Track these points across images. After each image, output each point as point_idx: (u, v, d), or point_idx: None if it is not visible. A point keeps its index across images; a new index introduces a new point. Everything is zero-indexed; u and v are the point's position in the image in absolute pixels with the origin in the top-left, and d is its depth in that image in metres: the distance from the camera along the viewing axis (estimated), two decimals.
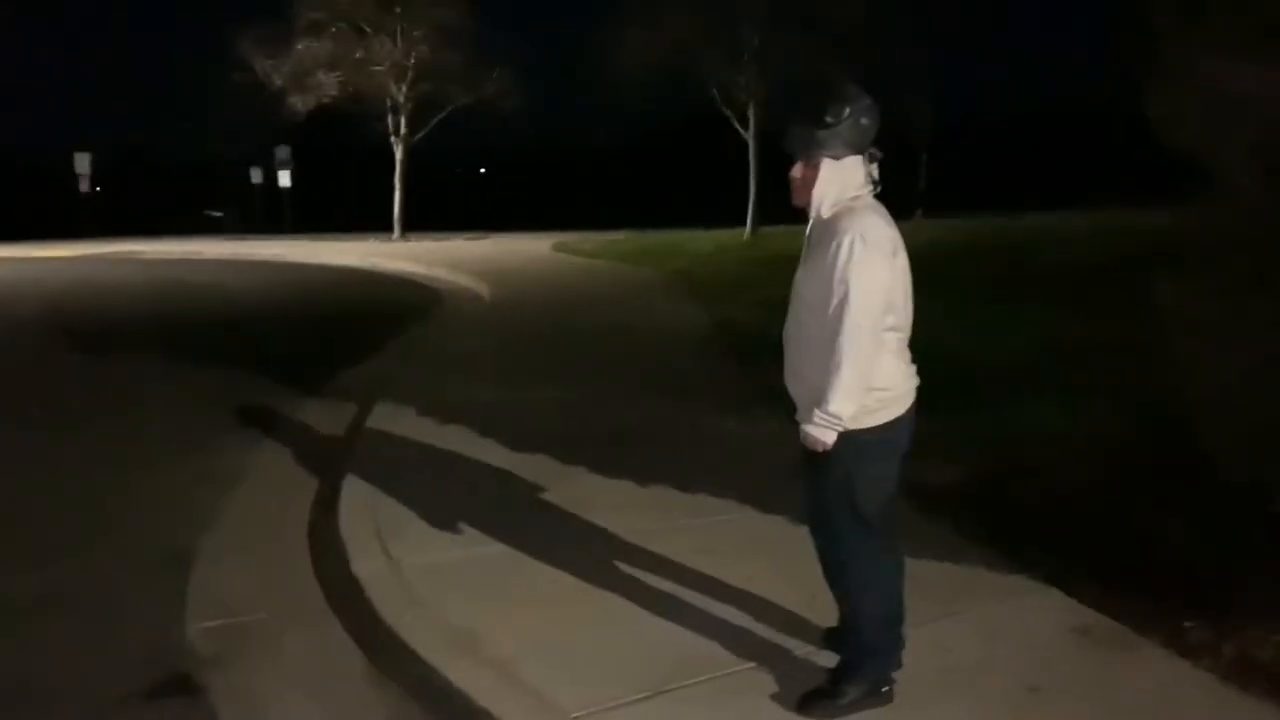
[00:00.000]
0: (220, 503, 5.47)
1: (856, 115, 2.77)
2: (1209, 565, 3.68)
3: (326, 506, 5.15)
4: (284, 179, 35.82)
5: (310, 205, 37.44)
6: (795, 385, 2.94)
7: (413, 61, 28.17)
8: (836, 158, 2.79)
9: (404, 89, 28.64)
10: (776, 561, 4.00)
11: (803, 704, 3.00)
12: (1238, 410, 3.33)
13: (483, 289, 15.50)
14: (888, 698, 3.01)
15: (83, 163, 33.99)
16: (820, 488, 2.93)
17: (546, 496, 5.03)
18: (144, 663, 3.70)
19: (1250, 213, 3.08)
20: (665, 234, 25.06)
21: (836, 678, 3.05)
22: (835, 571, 3.06)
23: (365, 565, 4.23)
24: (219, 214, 42.14)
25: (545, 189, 49.90)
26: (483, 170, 66.73)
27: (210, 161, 43.58)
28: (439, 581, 4.02)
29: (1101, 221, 15.80)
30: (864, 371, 2.71)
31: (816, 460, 2.85)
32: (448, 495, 5.07)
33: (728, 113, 25.44)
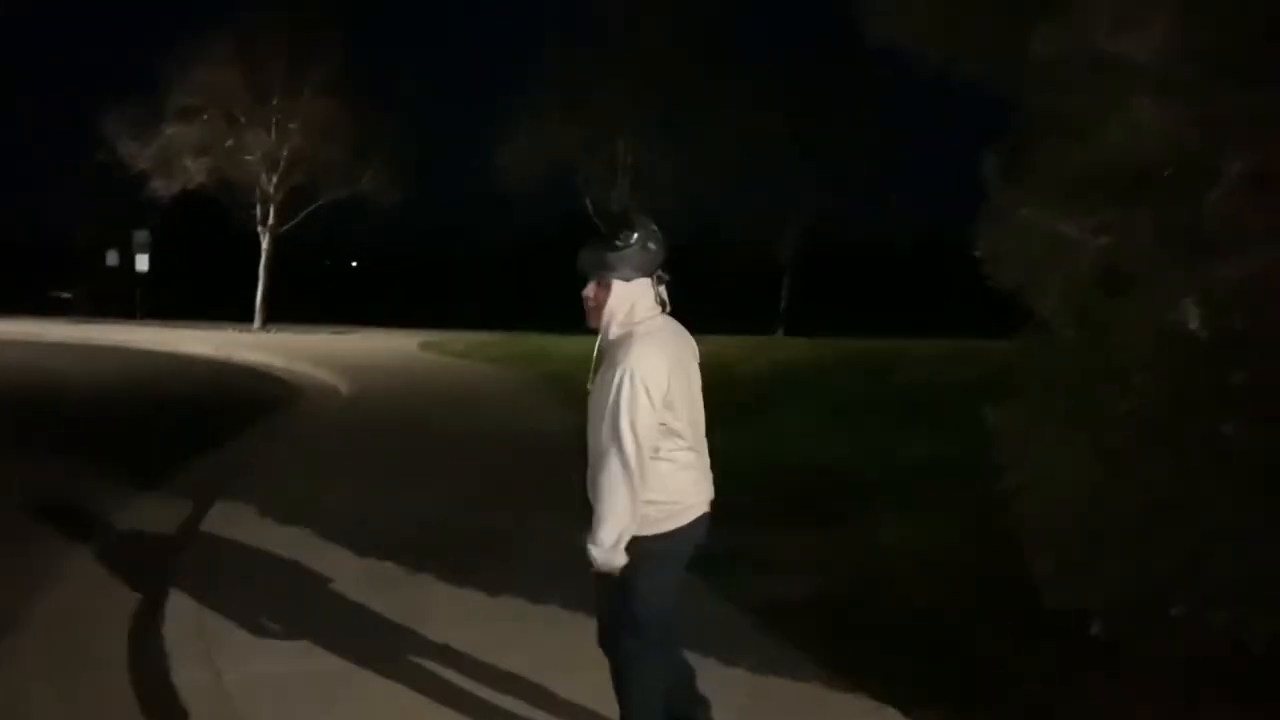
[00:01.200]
0: (30, 606, 5.06)
1: (643, 240, 2.97)
2: (1045, 685, 3.81)
3: (150, 611, 4.83)
4: (141, 263, 34.41)
5: (168, 291, 36.04)
6: (591, 495, 3.02)
7: (285, 153, 27.88)
8: (626, 279, 2.96)
9: (275, 179, 28.26)
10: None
11: None
12: (1058, 538, 3.50)
13: (343, 385, 15.13)
14: None
15: None
16: (600, 592, 3.09)
17: (390, 607, 4.84)
18: None
19: (1065, 351, 3.31)
20: (537, 337, 25.12)
21: None
22: (619, 665, 3.13)
23: (186, 674, 3.97)
24: (67, 295, 40.12)
25: (417, 286, 49.56)
26: (354, 264, 65.89)
27: (60, 241, 41.68)
28: (264, 695, 3.80)
29: (959, 349, 16.64)
30: (625, 504, 2.87)
31: (610, 578, 2.98)
32: (283, 604, 4.83)
33: (598, 223, 25.98)
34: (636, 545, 2.93)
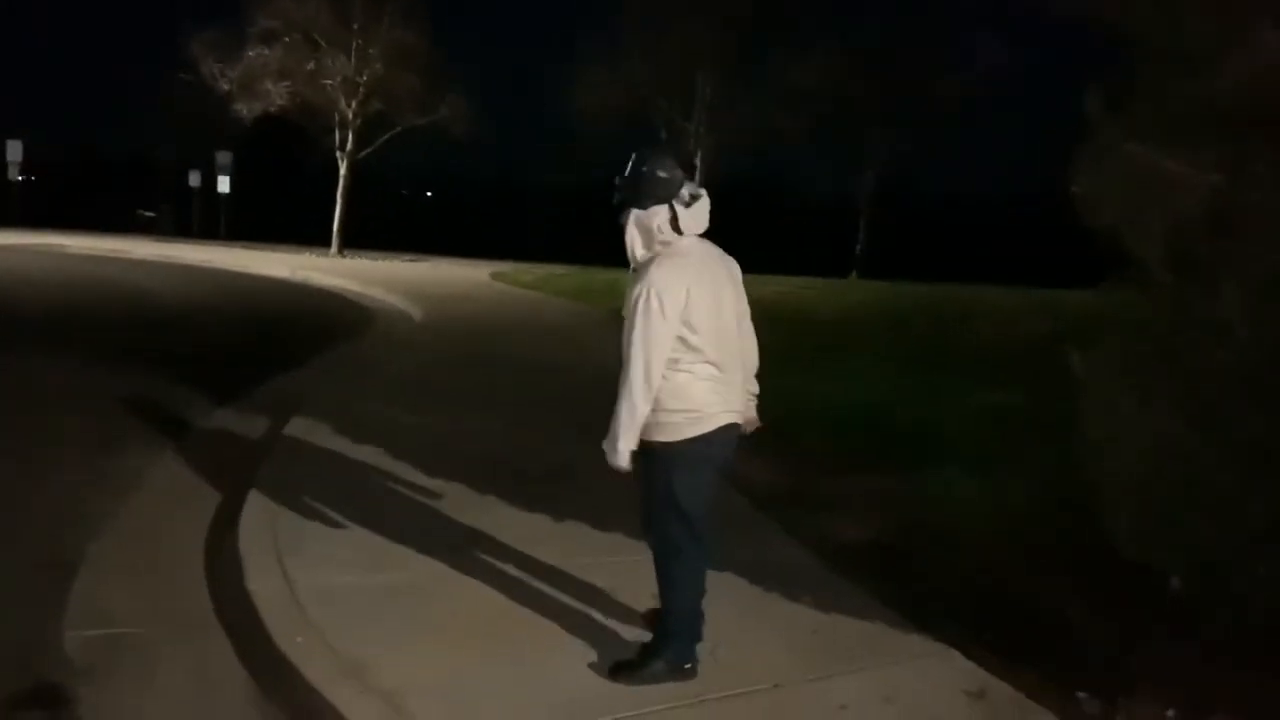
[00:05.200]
0: (115, 509, 5.26)
1: (653, 168, 3.20)
2: (1106, 640, 3.73)
3: (228, 520, 4.98)
4: (223, 185, 35.16)
5: (248, 213, 36.74)
6: None
7: (365, 79, 27.98)
8: (642, 208, 3.20)
9: (354, 105, 28.40)
10: None
11: (613, 670, 3.42)
12: (1139, 492, 3.39)
13: (415, 311, 15.32)
14: (692, 673, 3.39)
15: (15, 150, 33.00)
16: (648, 494, 3.38)
17: (457, 526, 4.93)
18: (13, 670, 3.50)
19: (1159, 296, 3.17)
20: (606, 272, 25.12)
21: (644, 653, 3.47)
22: (659, 562, 3.44)
23: (260, 582, 4.09)
24: (152, 214, 41.15)
25: (490, 218, 49.77)
26: (429, 194, 66.33)
27: (147, 161, 42.57)
28: (335, 605, 3.89)
29: (1034, 299, 16.21)
30: (629, 410, 3.17)
31: (645, 471, 3.30)
32: (354, 518, 4.94)
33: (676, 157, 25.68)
34: (666, 449, 3.23)
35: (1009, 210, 45.31)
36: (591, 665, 3.50)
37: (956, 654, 3.73)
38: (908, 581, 4.41)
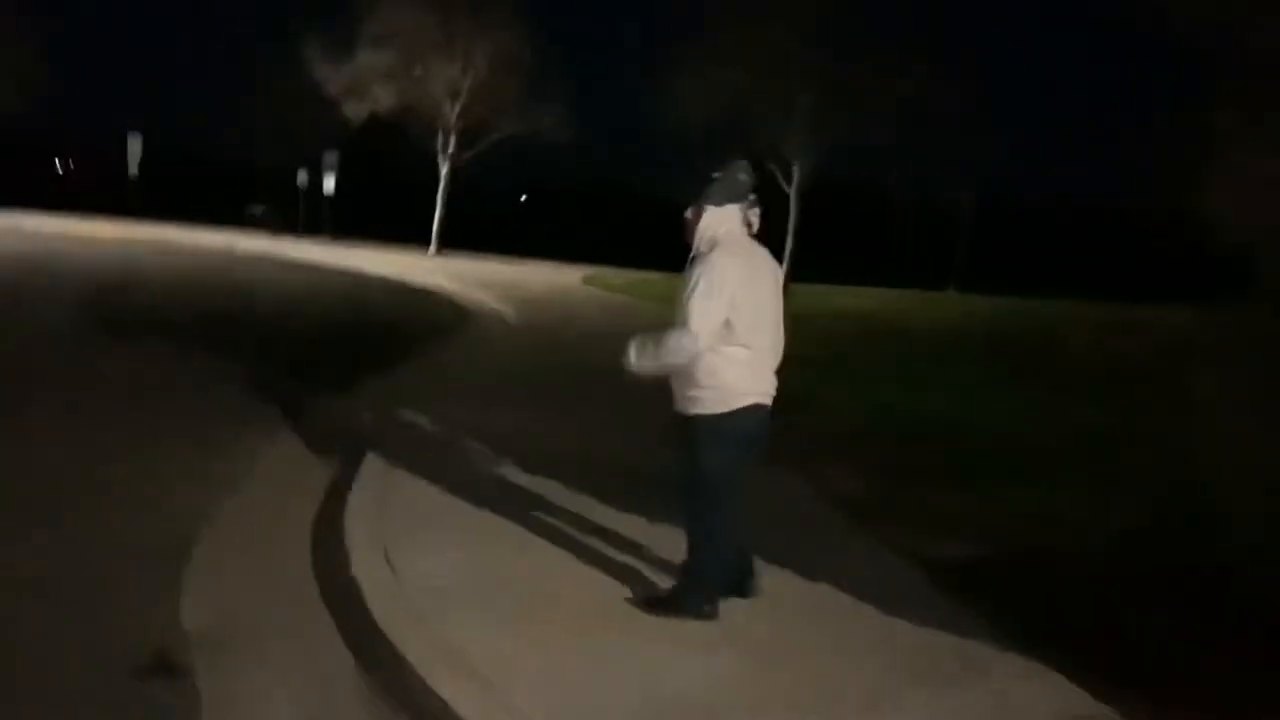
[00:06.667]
0: (227, 496, 5.45)
1: (734, 172, 3.74)
2: (1217, 670, 3.60)
3: (333, 509, 5.13)
4: (329, 184, 36.19)
5: (351, 212, 37.73)
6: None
7: (468, 84, 28.54)
8: (717, 205, 3.70)
9: (457, 109, 29.00)
10: (787, 615, 3.98)
11: (646, 601, 3.93)
12: (1254, 517, 3.27)
13: (509, 312, 15.56)
14: (711, 615, 3.79)
15: (135, 145, 34.53)
16: (681, 459, 3.82)
17: (558, 522, 4.99)
18: (132, 648, 3.65)
19: None
20: None
21: (673, 591, 3.93)
22: (688, 519, 3.87)
23: (366, 570, 4.20)
24: (259, 210, 42.52)
25: (582, 221, 50.18)
26: (524, 197, 67.18)
27: (252, 160, 44.06)
28: (440, 594, 3.98)
29: (1131, 316, 15.71)
30: (669, 349, 3.65)
31: (684, 438, 3.77)
32: (458, 510, 5.05)
33: (773, 168, 25.57)
34: (699, 421, 3.69)
35: (1113, 224, 43.95)
36: (694, 663, 3.51)
37: (1060, 677, 3.63)
38: (1016, 601, 4.31)
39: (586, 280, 22.74)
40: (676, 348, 3.63)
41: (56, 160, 59.70)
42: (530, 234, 41.66)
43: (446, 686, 3.26)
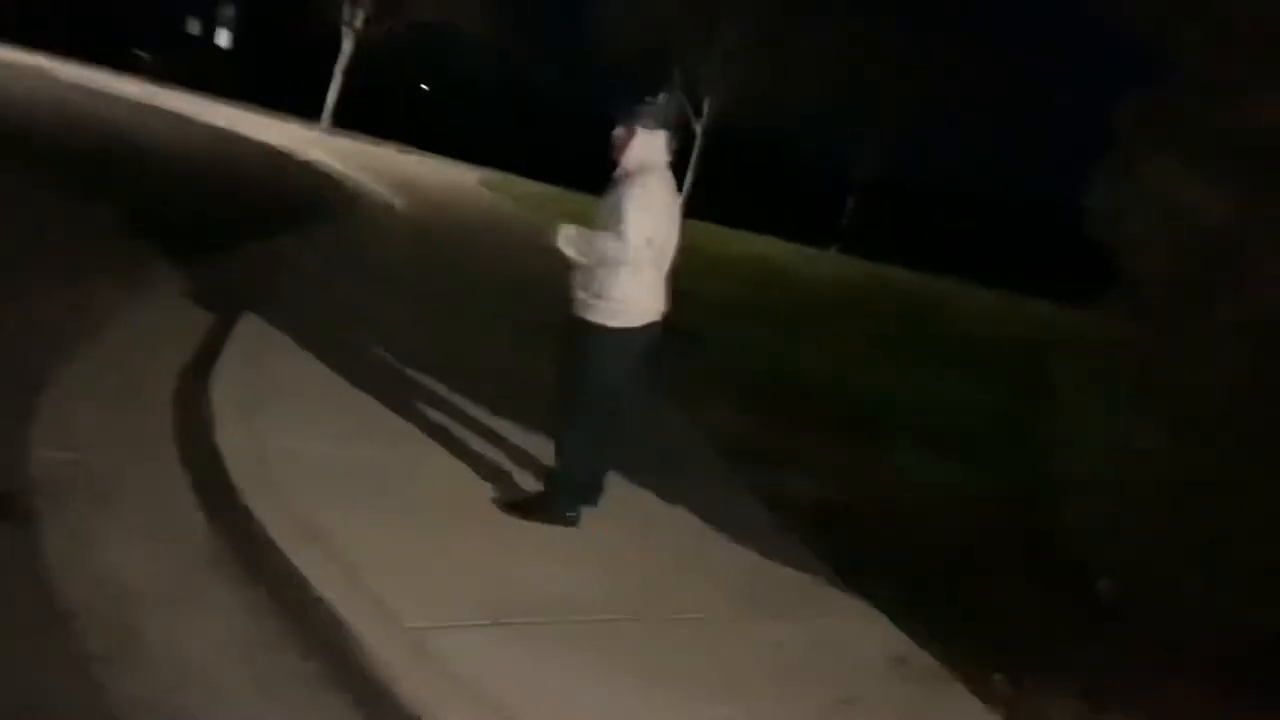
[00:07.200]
0: (87, 338, 5.21)
1: (669, 100, 3.97)
2: (1031, 627, 3.91)
3: (201, 368, 4.99)
4: (222, 38, 34.22)
5: (242, 72, 35.72)
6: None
7: None
8: (649, 129, 3.78)
9: None
10: (642, 523, 4.14)
11: (510, 504, 4.03)
12: (1090, 495, 3.54)
13: (398, 202, 15.17)
14: (574, 521, 3.94)
15: None
16: (565, 367, 3.94)
17: (428, 414, 4.99)
18: None
19: (1145, 315, 3.28)
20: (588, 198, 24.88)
21: (539, 495, 4.08)
22: (565, 424, 3.99)
23: (227, 435, 4.11)
24: (144, 55, 39.86)
25: (489, 127, 48.85)
26: (424, 86, 64.86)
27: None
28: (302, 469, 3.94)
29: (1011, 305, 16.41)
30: (599, 251, 3.73)
31: (575, 345, 3.85)
32: (327, 389, 4.99)
33: (684, 100, 25.46)
34: (598, 330, 3.78)
35: (1003, 213, 45.51)
36: (558, 564, 3.62)
37: (885, 619, 3.88)
38: (856, 546, 4.54)
39: (483, 183, 22.29)
40: (605, 249, 3.74)
41: None
42: (432, 129, 40.37)
43: (304, 564, 3.23)
